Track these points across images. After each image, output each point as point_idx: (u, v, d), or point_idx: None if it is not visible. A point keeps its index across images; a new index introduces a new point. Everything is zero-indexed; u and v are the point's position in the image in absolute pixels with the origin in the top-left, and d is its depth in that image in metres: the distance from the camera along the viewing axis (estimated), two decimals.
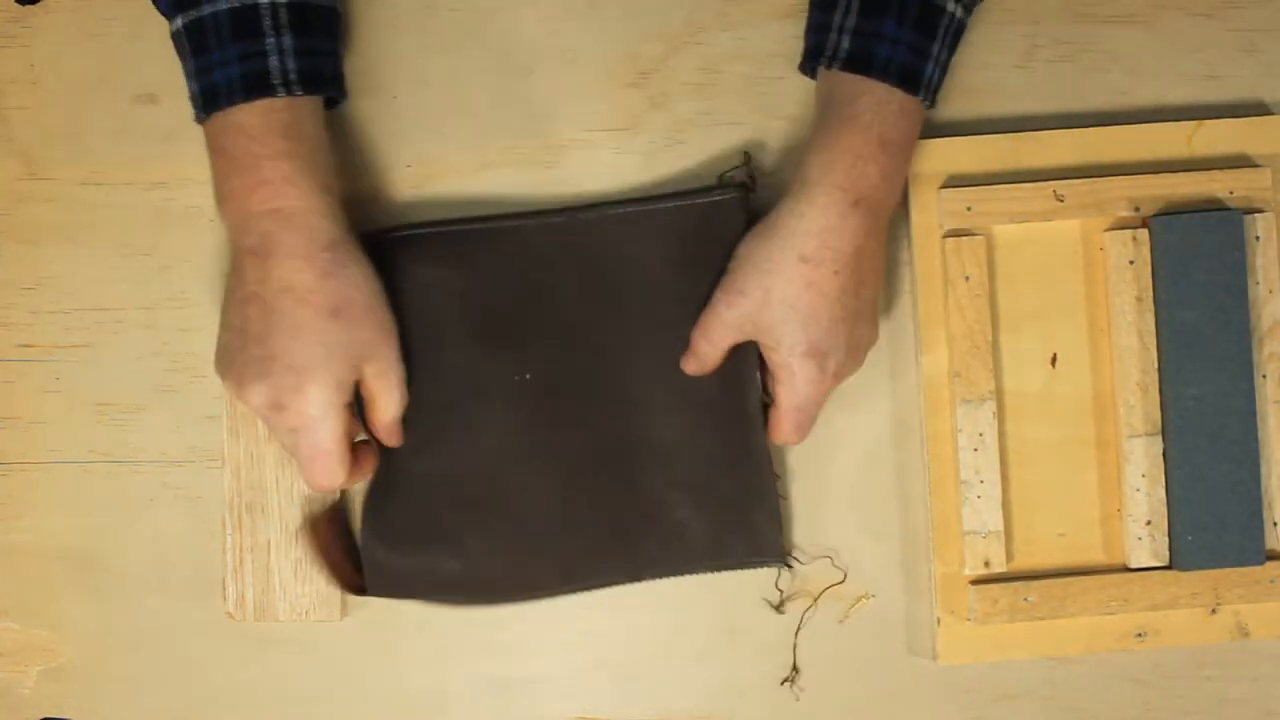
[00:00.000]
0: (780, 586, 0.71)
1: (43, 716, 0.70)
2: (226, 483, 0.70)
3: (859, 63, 0.64)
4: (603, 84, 0.72)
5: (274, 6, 0.62)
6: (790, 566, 0.71)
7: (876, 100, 0.63)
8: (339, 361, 0.61)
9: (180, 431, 0.71)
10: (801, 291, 0.63)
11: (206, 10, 0.62)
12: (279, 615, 0.70)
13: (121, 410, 0.71)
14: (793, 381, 0.65)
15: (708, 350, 0.67)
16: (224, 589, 0.70)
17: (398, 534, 0.68)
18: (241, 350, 0.62)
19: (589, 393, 0.69)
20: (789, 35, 0.72)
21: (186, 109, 0.71)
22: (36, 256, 0.71)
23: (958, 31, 0.65)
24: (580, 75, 0.72)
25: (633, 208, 0.69)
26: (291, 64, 0.62)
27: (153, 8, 0.65)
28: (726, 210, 0.68)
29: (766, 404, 0.68)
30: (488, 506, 0.68)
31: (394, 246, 0.67)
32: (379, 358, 0.63)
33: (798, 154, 0.71)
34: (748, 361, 0.68)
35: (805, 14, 0.71)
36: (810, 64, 0.67)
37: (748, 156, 0.70)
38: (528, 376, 0.68)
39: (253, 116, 0.61)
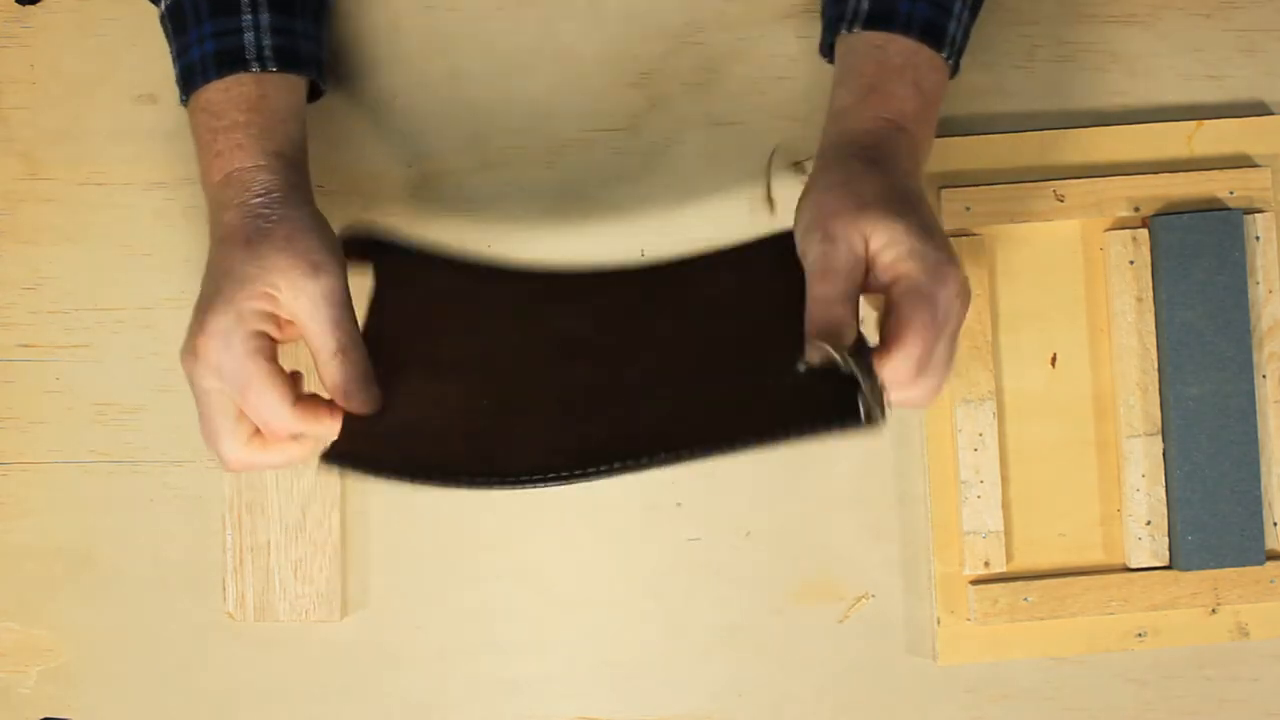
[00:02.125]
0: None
1: (43, 716, 0.70)
2: (226, 483, 0.70)
3: (879, 19, 0.62)
4: (603, 84, 0.72)
5: None
6: (882, 416, 0.54)
7: (908, 49, 0.61)
8: (242, 285, 0.57)
9: (180, 431, 0.71)
10: (902, 188, 0.58)
11: None
12: (279, 615, 0.70)
13: (121, 410, 0.71)
14: (922, 253, 0.55)
15: (830, 310, 0.55)
16: (224, 589, 0.70)
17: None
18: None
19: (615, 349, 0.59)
20: (789, 35, 0.72)
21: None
22: (36, 256, 0.71)
23: None
24: (580, 75, 0.72)
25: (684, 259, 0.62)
26: (267, 40, 0.62)
27: (153, 8, 0.65)
28: (783, 242, 0.59)
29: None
30: (475, 368, 0.60)
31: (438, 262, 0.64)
32: (299, 289, 0.57)
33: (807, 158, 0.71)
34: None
35: (805, 14, 0.71)
36: (829, 37, 0.65)
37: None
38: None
39: (217, 93, 0.61)
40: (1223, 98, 0.73)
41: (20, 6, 0.71)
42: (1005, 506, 0.71)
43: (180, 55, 0.63)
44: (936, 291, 0.55)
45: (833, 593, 0.71)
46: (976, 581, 0.70)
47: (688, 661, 0.71)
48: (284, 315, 0.58)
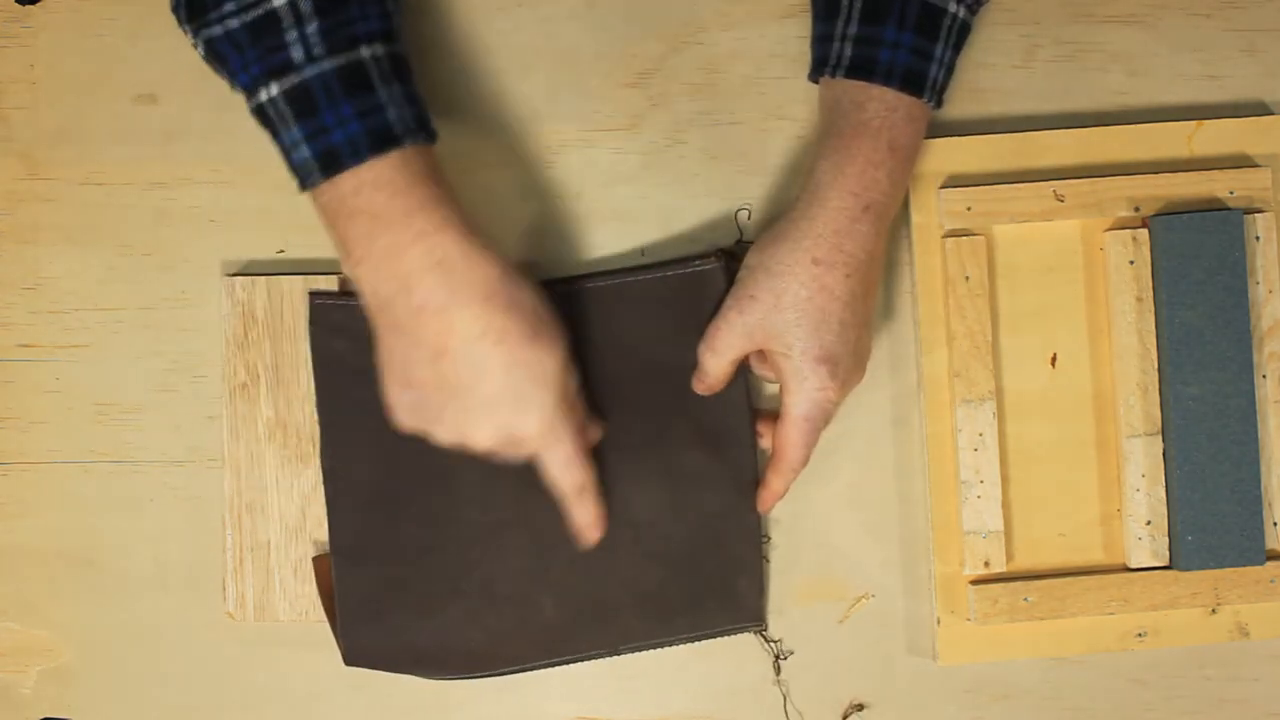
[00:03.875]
0: (771, 649, 0.71)
1: (43, 717, 0.70)
2: (226, 483, 0.70)
3: (861, 69, 0.64)
4: (603, 84, 0.72)
5: (376, 59, 0.60)
6: (765, 632, 0.71)
7: (886, 106, 0.63)
8: (551, 381, 0.61)
9: (180, 431, 0.71)
10: (814, 294, 0.63)
11: (310, 72, 0.59)
12: (279, 615, 0.70)
13: (121, 410, 0.71)
14: (804, 388, 0.64)
15: (715, 364, 0.66)
16: (224, 589, 0.70)
17: (372, 608, 0.68)
18: (453, 401, 0.61)
19: None
20: (789, 35, 0.72)
21: (187, 109, 0.71)
22: (36, 256, 0.71)
23: (962, 31, 0.65)
24: (580, 75, 0.72)
25: (610, 280, 0.69)
26: (408, 112, 0.61)
27: (153, 9, 0.64)
28: (707, 279, 0.68)
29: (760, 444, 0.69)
30: (462, 580, 0.68)
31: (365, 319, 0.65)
32: (574, 367, 0.64)
33: (803, 159, 0.72)
34: (743, 426, 0.68)
35: (805, 14, 0.71)
36: (817, 73, 0.66)
37: (740, 237, 0.70)
38: None
39: (391, 171, 0.60)
40: (1223, 98, 0.73)
41: (20, 6, 0.71)
42: (1005, 506, 0.70)
43: (311, 139, 0.60)
44: (802, 423, 0.65)
45: (833, 593, 0.71)
46: (976, 581, 0.70)
47: (688, 661, 0.71)
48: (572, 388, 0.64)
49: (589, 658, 0.69)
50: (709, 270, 0.68)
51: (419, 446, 0.66)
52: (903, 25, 0.63)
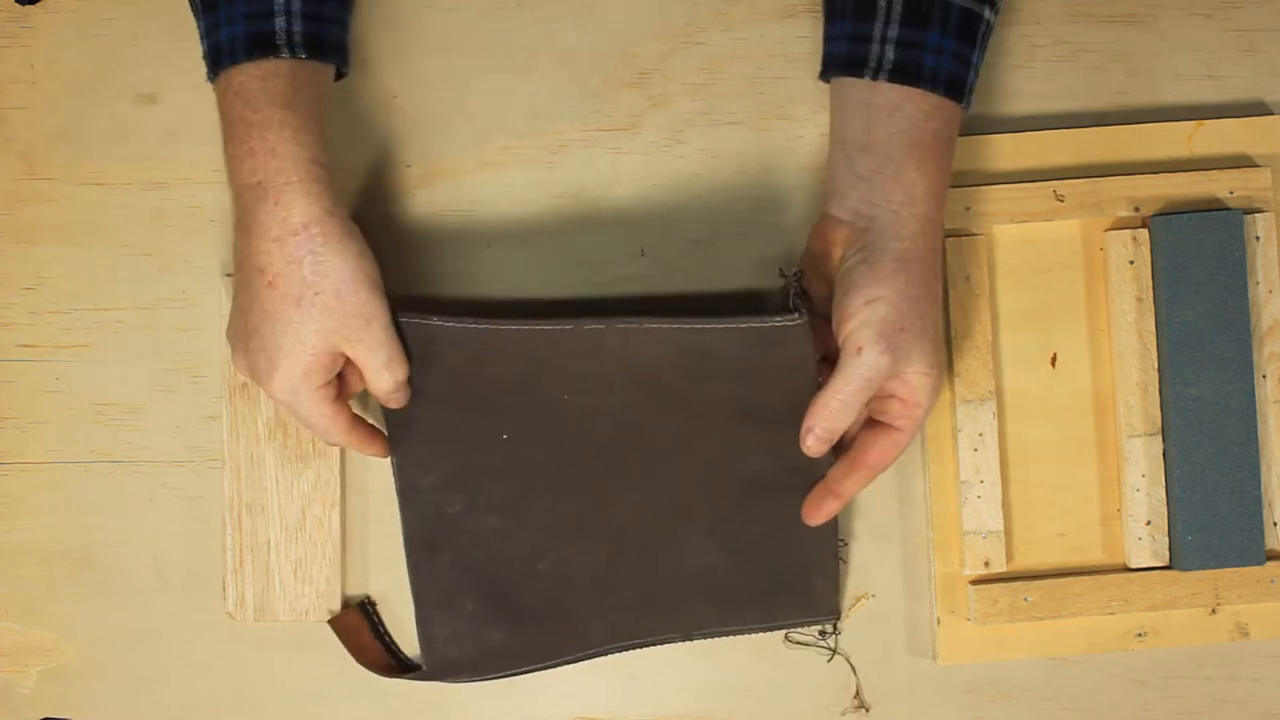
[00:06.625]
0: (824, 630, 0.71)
1: (43, 717, 0.70)
2: (226, 483, 0.70)
3: (906, 74, 0.63)
4: (603, 84, 0.72)
5: None
6: (838, 628, 0.71)
7: (947, 117, 0.63)
8: (305, 348, 0.61)
9: (180, 431, 0.71)
10: (938, 308, 0.64)
11: None
12: (279, 615, 0.70)
13: (121, 410, 0.71)
14: (932, 399, 0.63)
15: (846, 418, 0.63)
16: (224, 589, 0.70)
17: (451, 606, 0.68)
18: (234, 315, 0.63)
19: (641, 466, 0.68)
20: (789, 35, 0.72)
21: (187, 109, 0.71)
22: (36, 256, 0.71)
23: (990, 36, 0.65)
24: (580, 75, 0.72)
25: (685, 324, 0.65)
26: (297, 26, 0.61)
27: (153, 8, 0.65)
28: (793, 335, 0.64)
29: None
30: (537, 565, 0.68)
31: (442, 335, 0.65)
32: (356, 340, 0.62)
33: (805, 158, 0.71)
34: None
35: (806, 14, 0.71)
36: (844, 73, 0.65)
37: (798, 274, 0.66)
38: (574, 458, 0.68)
39: (251, 80, 0.60)
40: (1223, 98, 0.73)
41: (20, 6, 0.71)
42: (1005, 506, 0.71)
43: (208, 34, 0.61)
44: (916, 430, 0.64)
45: None
46: (976, 581, 0.70)
47: (688, 661, 0.71)
48: (343, 357, 0.63)
49: (660, 642, 0.69)
50: (795, 327, 0.64)
51: (489, 449, 0.67)
52: (945, 30, 0.63)
